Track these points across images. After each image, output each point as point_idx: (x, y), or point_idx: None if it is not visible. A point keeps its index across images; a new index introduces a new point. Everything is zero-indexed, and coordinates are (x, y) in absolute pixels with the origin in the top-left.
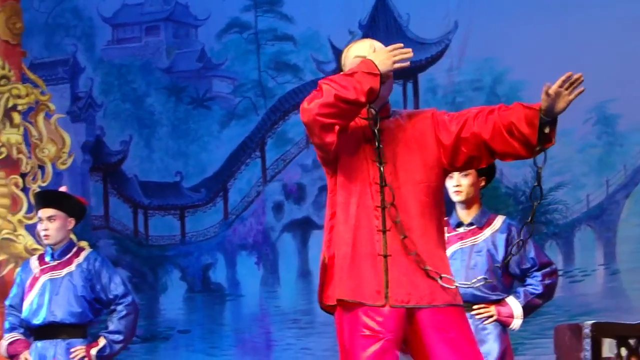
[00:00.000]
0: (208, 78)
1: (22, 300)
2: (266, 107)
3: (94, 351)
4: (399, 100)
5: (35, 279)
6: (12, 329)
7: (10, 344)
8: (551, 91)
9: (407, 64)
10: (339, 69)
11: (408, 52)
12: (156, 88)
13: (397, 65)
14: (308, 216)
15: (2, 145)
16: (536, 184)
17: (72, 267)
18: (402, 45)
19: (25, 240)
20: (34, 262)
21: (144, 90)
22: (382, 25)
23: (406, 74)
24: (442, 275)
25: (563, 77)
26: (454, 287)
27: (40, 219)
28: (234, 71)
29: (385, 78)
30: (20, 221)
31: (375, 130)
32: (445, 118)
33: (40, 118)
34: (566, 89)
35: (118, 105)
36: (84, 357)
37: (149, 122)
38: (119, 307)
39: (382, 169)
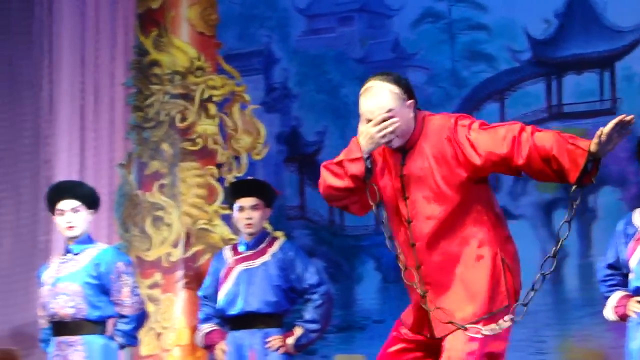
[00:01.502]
0: (402, 68)
1: (216, 290)
2: (460, 97)
3: (290, 340)
4: (596, 89)
5: (230, 269)
6: (207, 319)
7: (207, 334)
8: (603, 137)
9: (392, 138)
10: None
11: (393, 124)
12: (350, 78)
13: (384, 140)
14: (504, 206)
15: (198, 136)
16: (567, 219)
17: (267, 257)
18: (388, 116)
19: (221, 230)
20: (227, 252)
21: (338, 81)
22: (578, 13)
23: (602, 63)
24: (438, 307)
25: (615, 121)
26: (445, 321)
27: (242, 208)
28: (428, 61)
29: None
30: (216, 211)
31: (371, 203)
32: (470, 136)
33: (236, 109)
34: (617, 131)
35: (313, 96)
36: (280, 346)
37: (344, 112)
38: (314, 297)
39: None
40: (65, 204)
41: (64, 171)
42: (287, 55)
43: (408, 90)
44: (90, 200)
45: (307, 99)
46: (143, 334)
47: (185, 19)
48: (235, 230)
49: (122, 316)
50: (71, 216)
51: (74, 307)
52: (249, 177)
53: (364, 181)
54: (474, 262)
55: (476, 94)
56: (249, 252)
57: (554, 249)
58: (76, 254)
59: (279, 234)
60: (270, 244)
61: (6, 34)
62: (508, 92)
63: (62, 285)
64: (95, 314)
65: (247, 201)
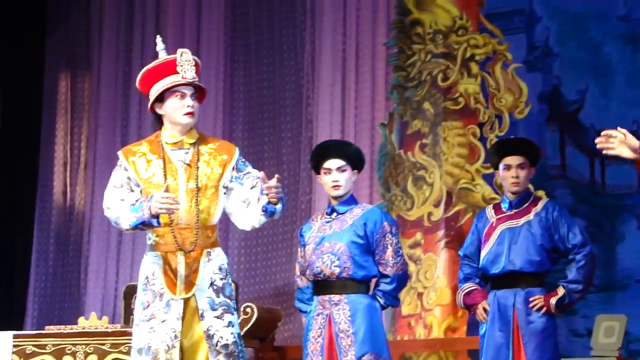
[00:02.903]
0: None
1: (477, 249)
2: None
3: (553, 300)
4: None
5: (492, 228)
6: (467, 278)
7: (467, 294)
8: None
9: None
10: None
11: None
12: (612, 37)
13: None
14: None
15: (460, 95)
16: None
17: (531, 216)
18: None
19: (482, 189)
20: (489, 211)
21: (600, 39)
22: None
23: None
24: None
25: None
26: None
27: (508, 166)
28: None
29: None
30: (477, 170)
31: None
32: None
33: (498, 68)
34: None
35: (574, 54)
36: (542, 306)
37: (606, 71)
38: (578, 257)
39: None
40: (332, 163)
41: (326, 131)
42: (548, 13)
43: None
44: (356, 160)
45: (568, 58)
46: (404, 294)
47: None
48: (497, 190)
49: (385, 276)
50: (337, 175)
51: (340, 266)
52: (513, 136)
53: None
54: None
55: None
56: (513, 211)
57: None
58: (341, 214)
59: (540, 193)
60: (533, 204)
61: None
62: None
63: (328, 245)
64: (360, 274)
65: (514, 160)
